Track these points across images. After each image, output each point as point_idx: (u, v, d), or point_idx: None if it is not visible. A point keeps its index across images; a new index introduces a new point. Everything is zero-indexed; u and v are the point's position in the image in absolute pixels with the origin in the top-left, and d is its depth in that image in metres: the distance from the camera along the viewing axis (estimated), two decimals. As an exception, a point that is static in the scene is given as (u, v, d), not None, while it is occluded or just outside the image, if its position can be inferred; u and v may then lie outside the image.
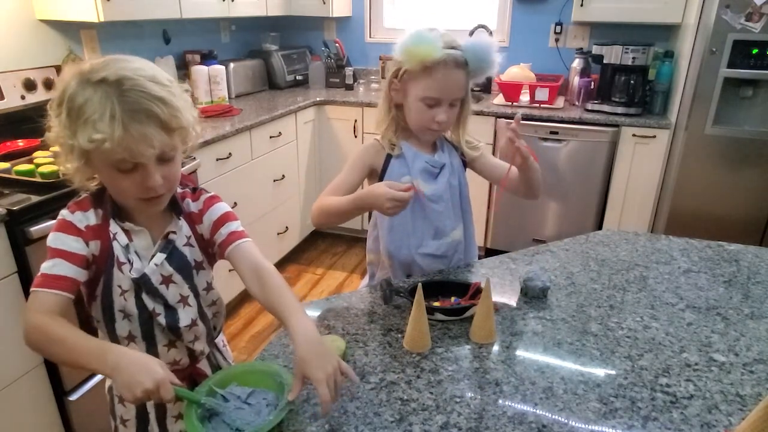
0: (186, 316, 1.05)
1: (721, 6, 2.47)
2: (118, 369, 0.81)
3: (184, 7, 2.62)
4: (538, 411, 0.91)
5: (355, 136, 3.41)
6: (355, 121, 3.38)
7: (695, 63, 2.64)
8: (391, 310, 1.22)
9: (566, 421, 0.89)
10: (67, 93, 0.85)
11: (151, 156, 0.87)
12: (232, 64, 3.31)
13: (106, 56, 0.89)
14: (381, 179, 1.39)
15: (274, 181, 3.07)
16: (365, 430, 0.86)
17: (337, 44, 3.78)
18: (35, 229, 1.59)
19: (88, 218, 0.97)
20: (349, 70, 3.68)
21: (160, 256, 1.00)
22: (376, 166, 1.41)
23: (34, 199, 1.63)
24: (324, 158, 3.56)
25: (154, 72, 0.89)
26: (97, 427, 1.88)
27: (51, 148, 2.02)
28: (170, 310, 1.03)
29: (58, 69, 2.33)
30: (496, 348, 1.09)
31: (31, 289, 0.92)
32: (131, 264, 0.98)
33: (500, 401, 0.93)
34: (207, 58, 3.17)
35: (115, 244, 0.97)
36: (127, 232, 0.99)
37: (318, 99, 3.39)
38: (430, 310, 1.12)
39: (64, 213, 0.97)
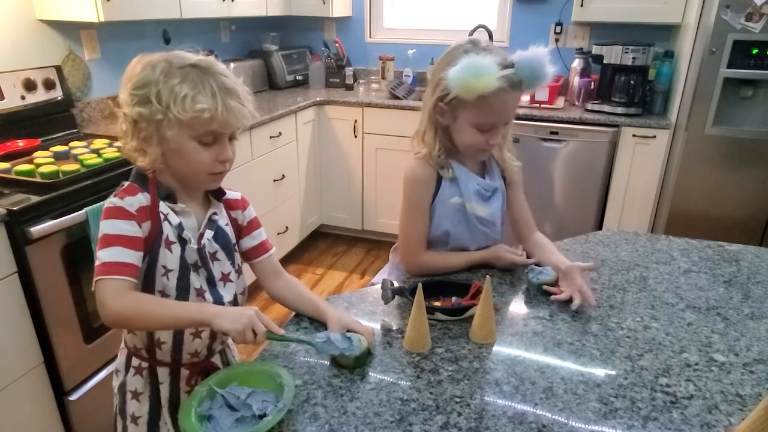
0: (228, 293, 1.11)
1: (721, 6, 2.47)
2: (219, 314, 0.93)
3: (184, 7, 2.62)
4: (538, 411, 0.91)
5: (356, 137, 3.41)
6: (355, 121, 3.38)
7: (695, 63, 2.64)
8: (391, 310, 1.22)
9: (566, 421, 0.89)
10: (152, 78, 0.95)
11: (241, 127, 1.02)
12: (232, 64, 3.31)
13: (167, 52, 0.98)
14: (432, 202, 1.37)
15: (274, 181, 3.07)
16: (365, 430, 0.86)
17: (337, 44, 3.78)
18: (35, 230, 1.59)
19: (138, 201, 1.00)
20: (349, 70, 3.68)
21: (209, 233, 1.08)
22: (432, 195, 1.37)
23: (34, 199, 1.63)
24: (324, 158, 3.56)
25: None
26: (97, 427, 1.88)
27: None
28: (214, 288, 1.08)
29: (58, 69, 2.33)
30: (496, 348, 1.09)
31: (96, 278, 0.94)
32: (186, 242, 1.04)
33: (500, 401, 0.93)
34: (207, 58, 3.16)
35: (165, 224, 1.02)
36: (177, 213, 1.04)
37: (318, 99, 3.39)
38: (431, 310, 1.12)
39: (113, 200, 0.99)
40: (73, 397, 1.81)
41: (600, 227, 3.09)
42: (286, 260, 3.39)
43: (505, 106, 1.27)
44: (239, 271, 1.16)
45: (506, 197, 1.46)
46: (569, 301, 1.22)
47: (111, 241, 0.96)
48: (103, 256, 0.95)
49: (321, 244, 3.75)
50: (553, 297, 1.24)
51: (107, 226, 0.97)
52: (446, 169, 1.36)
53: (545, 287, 1.27)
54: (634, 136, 2.87)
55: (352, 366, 1.01)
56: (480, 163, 1.42)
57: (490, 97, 1.19)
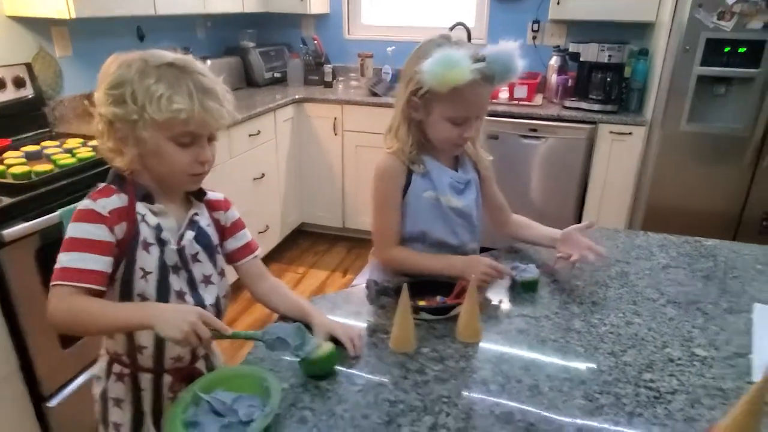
0: (210, 295, 1.09)
1: (693, 5, 2.52)
2: (160, 316, 0.88)
3: (158, 4, 2.56)
4: (524, 409, 0.91)
5: (335, 134, 3.39)
6: (335, 118, 3.36)
7: (669, 61, 2.68)
8: (376, 310, 1.22)
9: (553, 418, 0.89)
10: (127, 77, 0.93)
11: (220, 128, 0.99)
12: (208, 62, 3.25)
13: (143, 51, 0.96)
14: (404, 196, 1.36)
15: (254, 179, 3.04)
16: (354, 433, 0.86)
17: (315, 41, 3.75)
18: (7, 232, 1.54)
19: (112, 202, 0.97)
20: (327, 68, 3.66)
21: (190, 234, 1.06)
22: (401, 189, 1.37)
23: (6, 200, 1.59)
24: (304, 156, 3.53)
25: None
26: (76, 434, 1.84)
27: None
28: (195, 291, 1.06)
29: (28, 67, 2.27)
30: (481, 347, 1.09)
31: (51, 283, 0.92)
32: (165, 243, 1.01)
33: (487, 400, 0.94)
34: (183, 56, 3.11)
35: (142, 225, 1.00)
36: (155, 213, 1.02)
37: (297, 97, 3.36)
38: (416, 310, 1.12)
39: (85, 202, 0.97)
40: (52, 403, 1.76)
41: (578, 223, 3.12)
42: (267, 259, 3.36)
43: (478, 99, 1.29)
44: (222, 274, 1.14)
45: (482, 191, 1.48)
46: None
47: (74, 245, 0.94)
48: (63, 260, 0.93)
49: (302, 242, 3.72)
50: (571, 260, 1.29)
51: (73, 229, 0.95)
52: (417, 164, 1.36)
53: (558, 255, 1.34)
54: (611, 132, 2.91)
55: (308, 372, 0.98)
56: (453, 157, 1.43)
57: (463, 90, 1.21)
